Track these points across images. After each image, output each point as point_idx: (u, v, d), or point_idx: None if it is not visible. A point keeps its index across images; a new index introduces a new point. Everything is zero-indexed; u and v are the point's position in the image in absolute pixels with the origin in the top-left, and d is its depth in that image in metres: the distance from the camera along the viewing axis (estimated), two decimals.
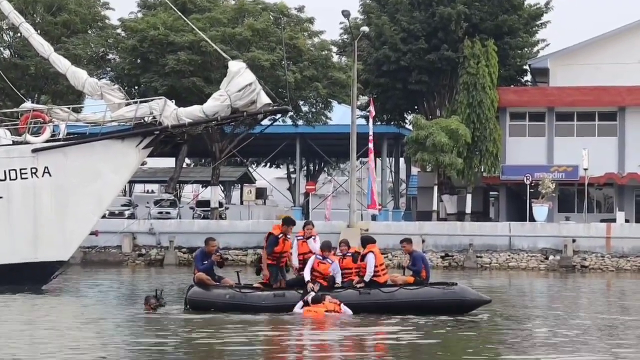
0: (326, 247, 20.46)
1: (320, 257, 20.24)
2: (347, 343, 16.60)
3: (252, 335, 17.06)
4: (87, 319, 20.62)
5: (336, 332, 17.85)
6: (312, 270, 20.12)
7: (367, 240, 20.89)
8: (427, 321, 18.97)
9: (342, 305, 19.68)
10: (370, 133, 48.60)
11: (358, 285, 20.31)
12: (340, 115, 57.99)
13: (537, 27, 58.61)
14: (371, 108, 49.96)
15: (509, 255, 44.95)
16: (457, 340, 16.90)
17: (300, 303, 19.81)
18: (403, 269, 21.42)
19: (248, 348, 15.69)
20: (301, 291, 20.10)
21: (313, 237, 21.03)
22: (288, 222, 21.11)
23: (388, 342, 16.55)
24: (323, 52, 53.57)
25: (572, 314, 21.86)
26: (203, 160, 79.84)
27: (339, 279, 20.33)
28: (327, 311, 19.44)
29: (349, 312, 19.62)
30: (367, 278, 20.27)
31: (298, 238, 21.01)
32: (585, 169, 49.69)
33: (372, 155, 48.93)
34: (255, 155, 75.13)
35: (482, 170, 53.16)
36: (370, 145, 48.44)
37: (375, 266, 20.26)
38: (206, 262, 20.79)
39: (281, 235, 20.75)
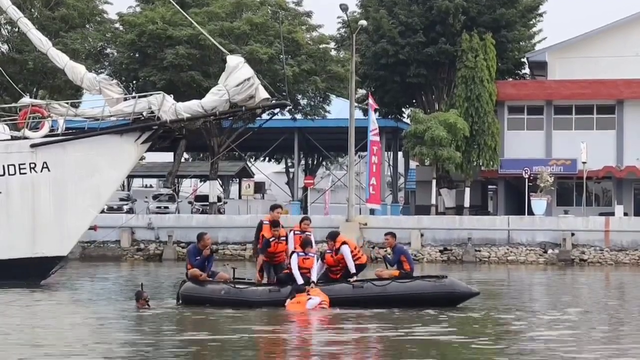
0: (307, 243, 20.46)
1: (303, 254, 20.27)
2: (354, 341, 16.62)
3: (256, 332, 17.07)
4: (85, 315, 20.62)
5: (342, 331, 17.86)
6: (299, 267, 20.14)
7: (335, 234, 20.93)
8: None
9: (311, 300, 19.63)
10: (374, 126, 48.71)
11: (352, 279, 20.41)
12: (338, 109, 57.99)
13: (534, 19, 58.61)
14: (371, 101, 50.00)
15: (507, 249, 44.98)
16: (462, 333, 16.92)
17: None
18: (384, 261, 21.62)
19: (251, 346, 15.69)
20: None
21: (308, 233, 21.08)
22: (275, 224, 21.06)
23: (390, 339, 16.57)
24: (321, 46, 53.56)
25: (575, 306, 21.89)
26: (201, 155, 79.84)
27: (314, 277, 20.28)
28: (308, 298, 19.47)
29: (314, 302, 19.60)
30: (352, 269, 20.45)
31: (296, 232, 21.03)
32: (584, 163, 49.70)
33: (374, 148, 49.00)
34: (254, 149, 75.12)
35: (481, 164, 53.17)
36: (377, 137, 48.71)
37: (352, 252, 20.46)
38: (199, 257, 20.80)
39: (273, 239, 20.80)
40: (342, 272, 20.62)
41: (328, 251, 20.74)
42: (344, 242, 20.57)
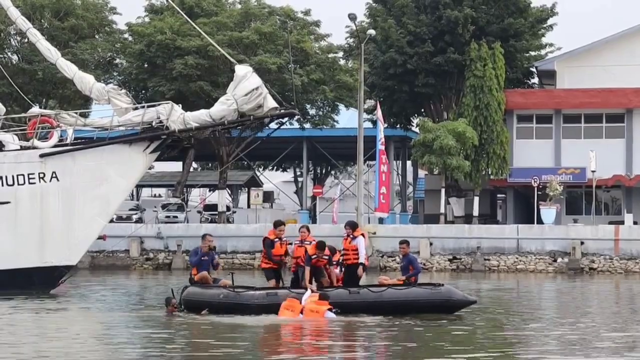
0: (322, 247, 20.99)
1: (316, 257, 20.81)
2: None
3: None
4: (96, 325, 20.66)
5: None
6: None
7: (355, 224, 21.93)
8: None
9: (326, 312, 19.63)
10: (381, 136, 48.75)
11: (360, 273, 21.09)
12: (347, 118, 58.04)
13: (544, 30, 58.55)
14: (378, 112, 50.01)
15: (516, 258, 44.88)
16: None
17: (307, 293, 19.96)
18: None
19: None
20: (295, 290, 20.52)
21: (309, 241, 21.30)
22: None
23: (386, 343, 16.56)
24: (330, 55, 53.62)
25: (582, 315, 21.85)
26: (210, 164, 79.93)
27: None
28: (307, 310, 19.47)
29: (333, 316, 19.57)
30: (362, 258, 21.14)
31: (295, 243, 21.48)
32: (593, 171, 49.59)
33: (383, 157, 49.05)
34: (262, 158, 75.22)
35: (490, 172, 53.12)
36: (382, 147, 48.78)
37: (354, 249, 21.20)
38: (202, 256, 21.35)
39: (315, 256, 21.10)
40: (353, 259, 21.02)
41: (345, 235, 21.34)
42: (362, 234, 21.44)
